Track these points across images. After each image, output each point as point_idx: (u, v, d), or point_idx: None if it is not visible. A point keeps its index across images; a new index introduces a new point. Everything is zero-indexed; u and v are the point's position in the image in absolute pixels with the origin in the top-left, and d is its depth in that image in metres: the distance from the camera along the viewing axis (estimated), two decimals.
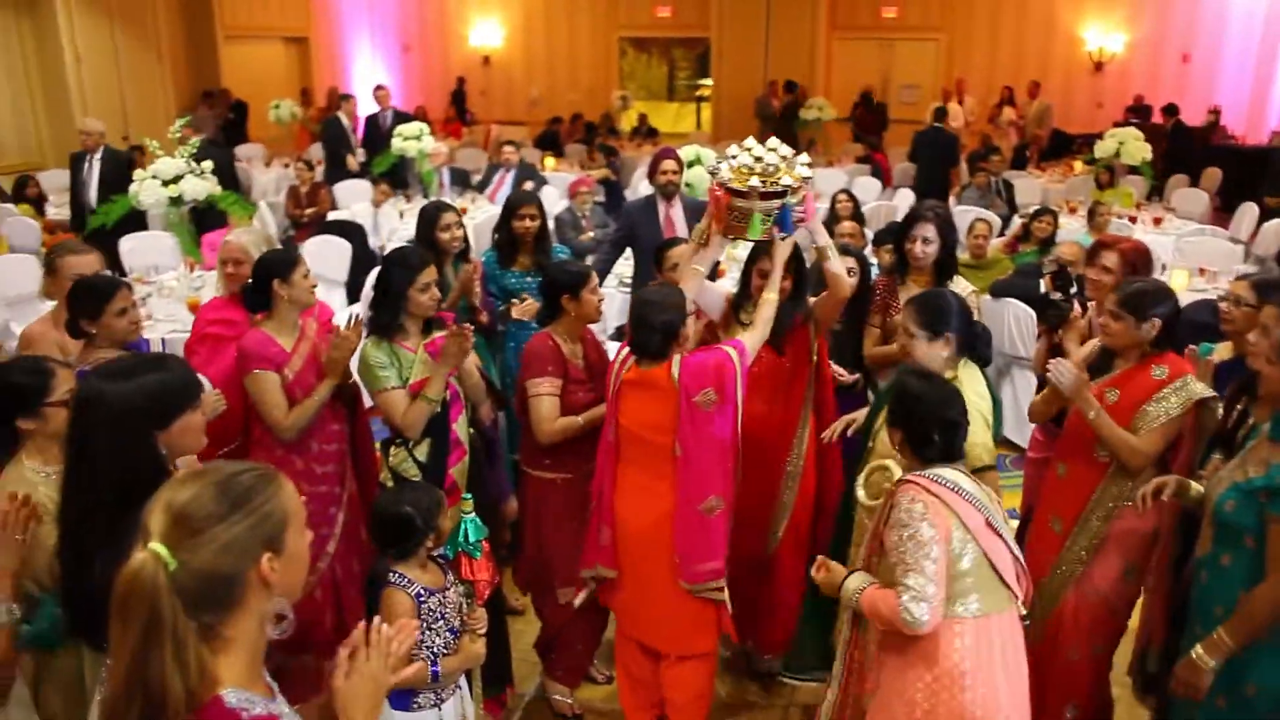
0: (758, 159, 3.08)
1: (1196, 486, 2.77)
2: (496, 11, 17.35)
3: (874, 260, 5.08)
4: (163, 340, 5.31)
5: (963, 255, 5.82)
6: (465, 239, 4.30)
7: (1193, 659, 2.55)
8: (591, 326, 3.57)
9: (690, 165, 6.73)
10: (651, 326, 2.97)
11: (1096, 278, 3.59)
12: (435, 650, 2.56)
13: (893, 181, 11.89)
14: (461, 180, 9.83)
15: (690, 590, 3.01)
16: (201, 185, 6.42)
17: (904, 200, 9.90)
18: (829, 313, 3.50)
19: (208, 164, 6.55)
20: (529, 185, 8.44)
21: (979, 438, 2.86)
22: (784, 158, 3.12)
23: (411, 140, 9.15)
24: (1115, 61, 14.61)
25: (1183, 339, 3.11)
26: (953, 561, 2.41)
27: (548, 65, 17.42)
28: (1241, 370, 2.95)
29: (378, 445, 3.45)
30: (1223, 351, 3.32)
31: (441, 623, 2.57)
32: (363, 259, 7.46)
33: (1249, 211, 9.32)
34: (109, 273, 3.76)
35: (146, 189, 6.38)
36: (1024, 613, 2.56)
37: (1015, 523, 4.03)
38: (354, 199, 9.59)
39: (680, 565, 2.99)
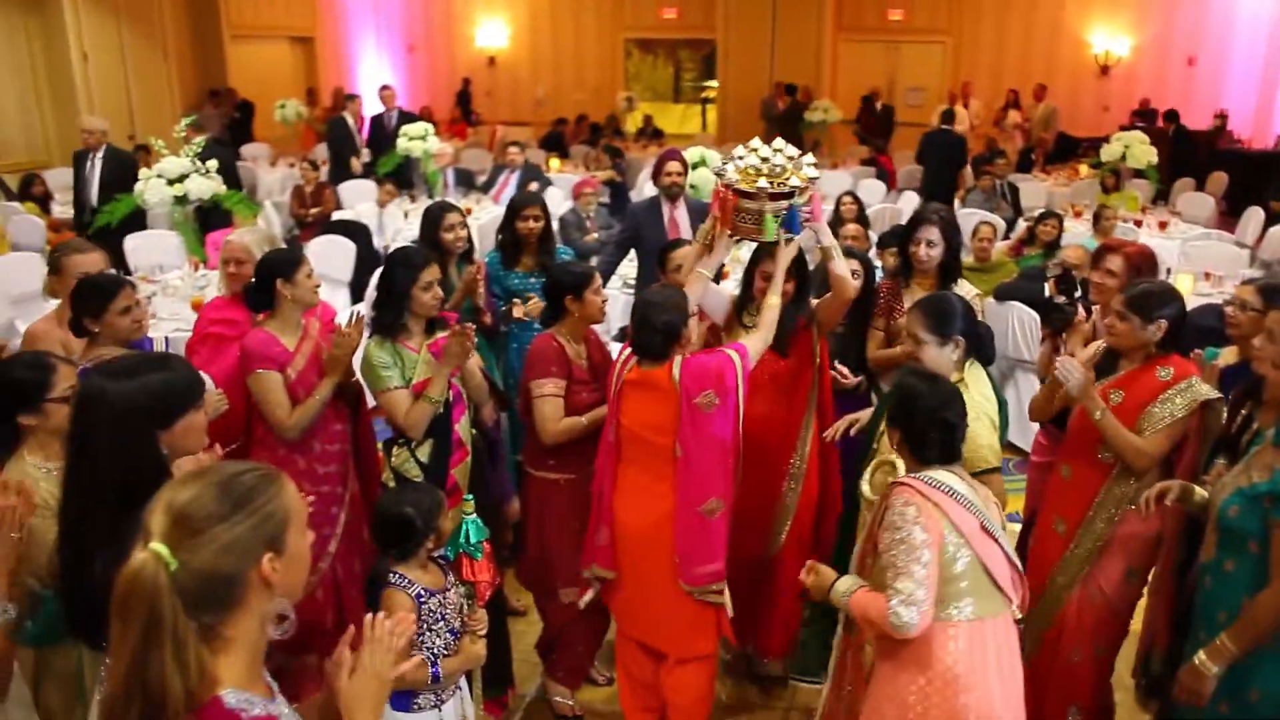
0: (764, 160, 3.08)
1: (1200, 491, 2.77)
2: (502, 12, 17.36)
3: (878, 263, 5.07)
4: (166, 339, 5.31)
5: (967, 258, 5.80)
6: (469, 239, 4.30)
7: (1195, 665, 2.54)
8: (595, 327, 3.57)
9: (695, 167, 6.72)
10: (653, 327, 2.97)
11: (1100, 281, 3.59)
12: (435, 651, 2.56)
13: (897, 184, 11.88)
14: (466, 181, 9.84)
15: (690, 592, 3.00)
16: (207, 184, 6.43)
17: (909, 203, 9.89)
18: (832, 314, 3.49)
19: (213, 163, 6.56)
20: (533, 186, 8.45)
21: (985, 439, 2.86)
22: (790, 158, 3.12)
23: (417, 140, 9.16)
24: (1121, 65, 14.58)
25: (1188, 343, 3.10)
26: (946, 565, 2.40)
27: (553, 66, 17.43)
28: (1246, 375, 2.94)
29: (380, 445, 3.45)
30: (1228, 356, 3.31)
31: (442, 624, 2.57)
32: (367, 259, 7.46)
33: (1255, 216, 9.30)
34: (113, 271, 3.76)
35: (152, 188, 6.39)
36: (1019, 617, 2.54)
37: (1018, 526, 4.03)
38: (359, 199, 9.60)
39: (680, 567, 2.99)
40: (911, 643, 2.41)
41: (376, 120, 10.90)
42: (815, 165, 3.20)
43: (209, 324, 3.68)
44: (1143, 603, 3.22)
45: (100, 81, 11.62)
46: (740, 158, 3.13)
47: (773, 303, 3.17)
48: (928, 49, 15.70)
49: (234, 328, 3.53)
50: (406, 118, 10.38)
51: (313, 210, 8.77)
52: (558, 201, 8.81)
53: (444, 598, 2.59)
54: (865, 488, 2.97)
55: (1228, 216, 10.63)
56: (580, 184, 7.50)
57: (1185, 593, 2.89)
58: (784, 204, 3.09)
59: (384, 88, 11.27)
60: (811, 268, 3.61)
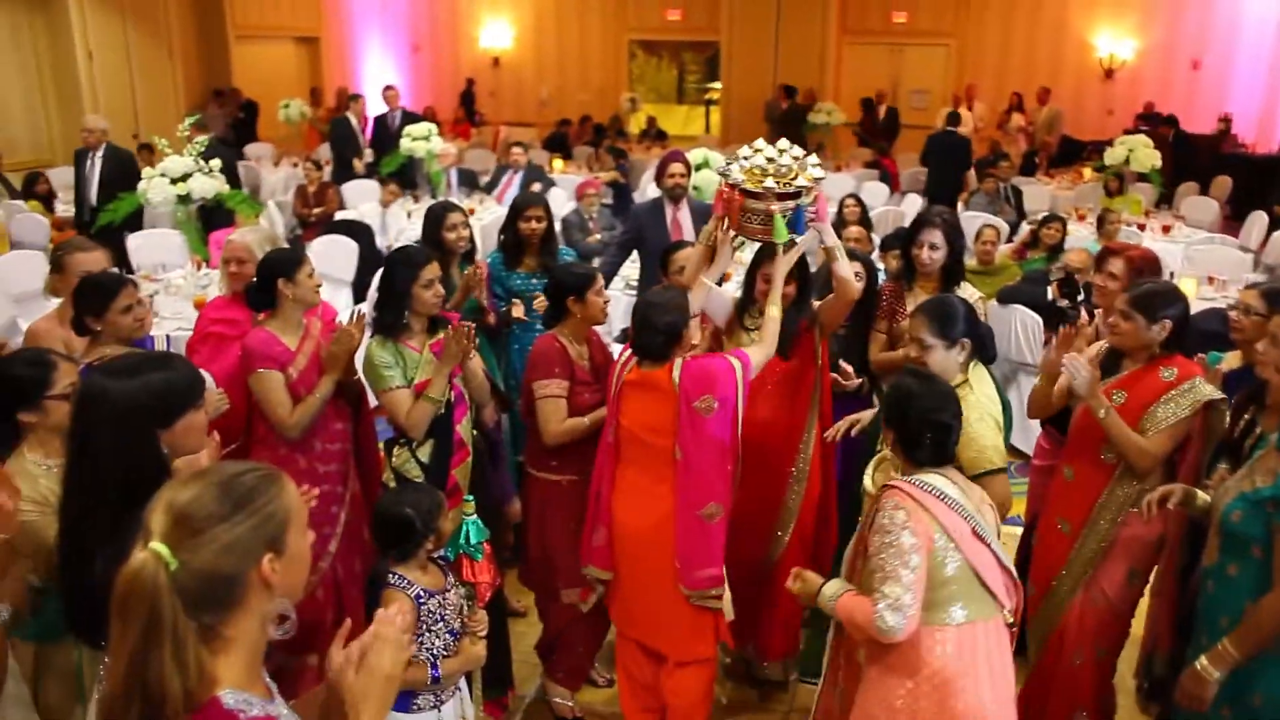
0: (770, 160, 3.08)
1: (1203, 496, 2.76)
2: (507, 12, 17.36)
3: (881, 265, 5.07)
4: (168, 337, 5.32)
5: (970, 261, 5.80)
6: (471, 239, 4.30)
7: (1197, 670, 2.54)
8: (597, 328, 3.57)
9: (698, 168, 6.72)
10: (654, 328, 2.97)
11: (1103, 284, 3.59)
12: (435, 652, 2.56)
13: (901, 187, 11.87)
14: (469, 181, 9.84)
15: (689, 596, 3.00)
16: (210, 183, 6.44)
17: (912, 205, 9.89)
18: (835, 316, 3.48)
19: (216, 162, 6.57)
20: (536, 187, 8.45)
21: (990, 440, 2.85)
22: (796, 158, 3.12)
23: (420, 141, 9.16)
24: (1126, 68, 14.56)
25: (1192, 348, 3.10)
26: (936, 569, 2.39)
27: (557, 67, 17.43)
28: (1250, 379, 2.94)
29: (381, 445, 3.45)
30: (1232, 360, 3.31)
31: (441, 625, 2.57)
32: (370, 259, 7.46)
33: (1259, 220, 9.29)
34: (116, 270, 3.77)
35: (155, 187, 6.40)
36: (1010, 621, 2.53)
37: (1020, 529, 4.03)
38: (362, 199, 9.61)
39: (680, 570, 2.98)
40: (899, 647, 2.39)
41: (380, 120, 10.91)
42: (819, 166, 3.20)
43: (210, 323, 3.69)
44: (1144, 605, 3.21)
45: (105, 80, 11.64)
46: (746, 158, 3.13)
47: (773, 315, 3.15)
48: (931, 51, 15.68)
49: (235, 327, 3.53)
50: (410, 118, 10.38)
51: (316, 210, 8.77)
52: (561, 202, 8.81)
53: (443, 599, 2.59)
54: (868, 482, 2.96)
55: (1232, 221, 10.61)
56: (583, 185, 7.50)
57: (1188, 597, 2.88)
58: (791, 204, 3.08)
59: (388, 88, 11.27)
60: (814, 269, 3.60)
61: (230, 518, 1.40)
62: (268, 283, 3.22)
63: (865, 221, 6.73)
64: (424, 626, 2.53)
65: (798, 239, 3.21)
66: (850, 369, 3.71)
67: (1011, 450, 5.70)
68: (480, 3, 17.42)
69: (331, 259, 7.06)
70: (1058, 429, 3.55)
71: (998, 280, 6.12)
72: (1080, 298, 5.31)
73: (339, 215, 8.64)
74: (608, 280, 4.55)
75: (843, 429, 3.41)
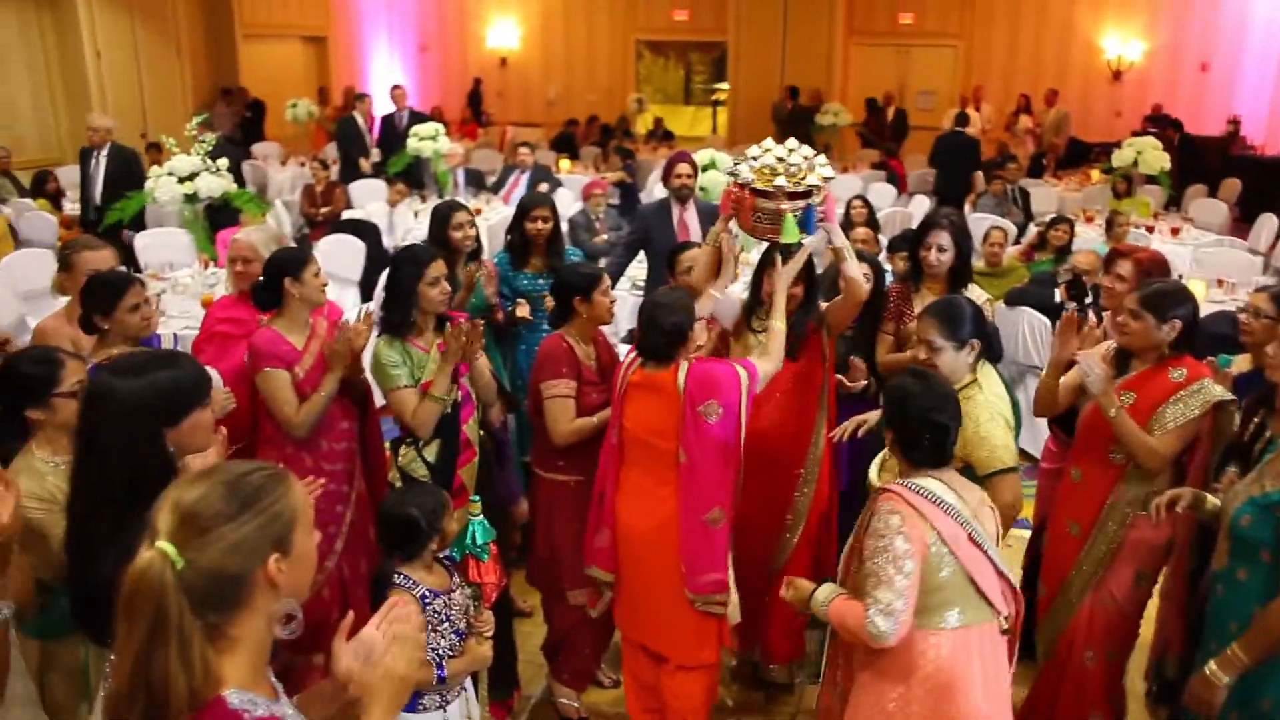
0: (780, 159, 3.07)
1: (1212, 499, 2.75)
2: (514, 12, 17.38)
3: (888, 267, 5.05)
4: (175, 336, 5.32)
5: (978, 263, 5.78)
6: (477, 239, 4.30)
7: (1206, 675, 2.53)
8: (603, 329, 3.56)
9: (705, 169, 6.72)
10: (660, 329, 2.96)
11: (1111, 286, 3.57)
12: (440, 652, 2.56)
13: (908, 188, 11.85)
14: (476, 181, 9.84)
15: (694, 600, 2.99)
16: (217, 182, 6.45)
17: (919, 206, 9.87)
18: (843, 317, 3.47)
19: (223, 161, 6.58)
20: (543, 187, 8.44)
21: (1000, 439, 2.83)
22: (806, 157, 3.11)
23: (427, 140, 9.17)
24: (1134, 70, 14.52)
25: (1201, 350, 3.08)
26: (930, 574, 2.37)
27: (565, 67, 17.43)
28: (1260, 382, 2.92)
29: (387, 445, 3.45)
30: (1241, 364, 3.29)
31: (446, 625, 2.57)
32: (377, 258, 7.47)
33: (1268, 223, 9.25)
34: (123, 268, 3.77)
35: (162, 185, 6.41)
36: (1005, 628, 2.52)
37: (1026, 533, 4.01)
38: (369, 198, 9.62)
39: (685, 574, 2.97)
40: (891, 651, 2.38)
41: (387, 120, 10.91)
42: (828, 165, 3.19)
43: (216, 322, 3.69)
44: (1153, 608, 3.20)
45: (113, 79, 11.67)
46: (755, 157, 3.12)
47: (778, 327, 3.14)
48: (939, 53, 15.65)
49: (241, 326, 3.53)
50: (417, 118, 10.39)
51: (323, 209, 8.78)
52: (567, 202, 8.81)
53: (449, 599, 2.59)
54: (874, 476, 2.94)
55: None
56: (590, 185, 7.50)
57: (1197, 600, 2.87)
58: (801, 203, 3.07)
59: (395, 87, 11.28)
60: (822, 270, 3.59)
61: (237, 517, 1.40)
62: (274, 282, 3.22)
63: (872, 223, 6.72)
64: (429, 626, 2.53)
65: (806, 240, 3.20)
66: (864, 367, 3.70)
67: (1019, 453, 5.69)
68: (488, 3, 17.44)
69: (338, 258, 7.07)
70: (1064, 430, 3.54)
71: (1005, 282, 6.10)
72: (1088, 300, 5.29)
73: (346, 215, 8.65)
74: (614, 280, 4.54)
75: (849, 429, 3.40)
